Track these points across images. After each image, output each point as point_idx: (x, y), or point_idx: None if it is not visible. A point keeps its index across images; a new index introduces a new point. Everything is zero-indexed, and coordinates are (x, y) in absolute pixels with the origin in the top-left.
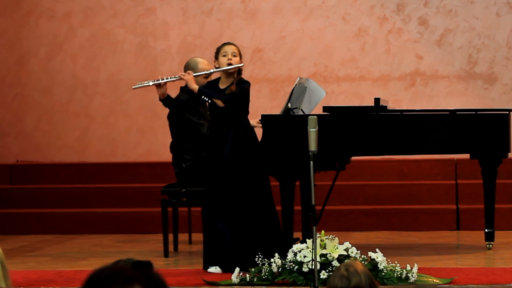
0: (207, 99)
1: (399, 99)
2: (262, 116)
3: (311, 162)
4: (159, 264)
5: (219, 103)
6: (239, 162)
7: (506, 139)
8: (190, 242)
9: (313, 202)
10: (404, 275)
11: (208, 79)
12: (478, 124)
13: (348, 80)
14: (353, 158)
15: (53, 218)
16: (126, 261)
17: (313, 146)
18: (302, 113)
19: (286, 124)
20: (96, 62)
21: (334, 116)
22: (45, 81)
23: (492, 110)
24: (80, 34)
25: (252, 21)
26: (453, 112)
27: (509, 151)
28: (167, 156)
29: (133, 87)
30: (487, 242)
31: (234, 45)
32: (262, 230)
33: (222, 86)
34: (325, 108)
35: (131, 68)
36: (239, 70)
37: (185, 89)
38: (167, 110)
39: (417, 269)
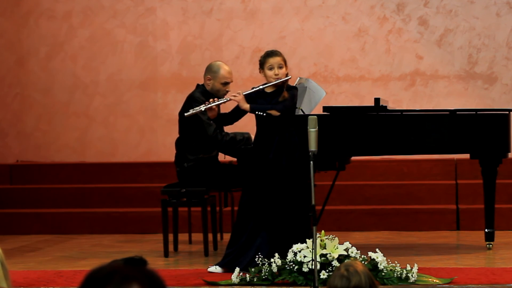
0: (262, 114)
1: (399, 99)
2: None
3: (311, 162)
4: (159, 264)
5: (274, 113)
6: (282, 167)
7: (506, 139)
8: (190, 242)
9: (313, 202)
10: (404, 275)
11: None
12: (478, 124)
13: (348, 80)
14: (353, 158)
15: (53, 218)
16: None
17: (313, 146)
18: (302, 113)
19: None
20: (96, 62)
21: (334, 116)
22: (45, 81)
23: (492, 110)
24: (80, 34)
25: (252, 21)
26: (453, 112)
27: (509, 151)
28: (167, 156)
29: (185, 114)
30: (487, 242)
31: (279, 55)
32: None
33: (268, 90)
34: (325, 108)
35: (131, 68)
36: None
37: (201, 88)
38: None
39: (417, 269)
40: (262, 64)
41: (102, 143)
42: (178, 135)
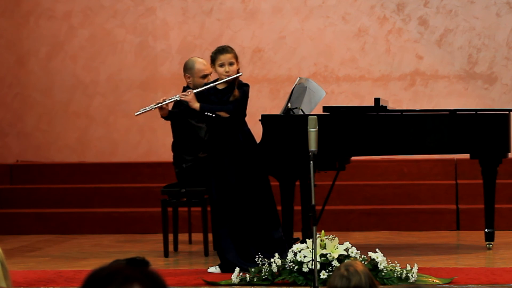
0: (211, 114)
1: (399, 99)
2: (262, 116)
3: (311, 162)
4: (159, 264)
5: (224, 114)
6: (239, 168)
7: (506, 139)
8: (190, 242)
9: (313, 202)
10: (404, 275)
11: (206, 80)
12: (478, 124)
13: (348, 80)
14: (353, 158)
15: (53, 218)
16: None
17: (313, 146)
18: (302, 113)
19: (286, 124)
20: (96, 62)
21: (334, 116)
22: (45, 81)
23: (492, 110)
24: (80, 34)
25: (252, 21)
26: (453, 112)
27: (509, 151)
28: (167, 156)
29: (135, 113)
30: (487, 242)
31: (229, 52)
32: (264, 232)
33: (220, 86)
34: (325, 108)
35: (131, 68)
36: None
37: (185, 87)
38: None
39: (417, 269)
40: (213, 60)
41: (102, 143)
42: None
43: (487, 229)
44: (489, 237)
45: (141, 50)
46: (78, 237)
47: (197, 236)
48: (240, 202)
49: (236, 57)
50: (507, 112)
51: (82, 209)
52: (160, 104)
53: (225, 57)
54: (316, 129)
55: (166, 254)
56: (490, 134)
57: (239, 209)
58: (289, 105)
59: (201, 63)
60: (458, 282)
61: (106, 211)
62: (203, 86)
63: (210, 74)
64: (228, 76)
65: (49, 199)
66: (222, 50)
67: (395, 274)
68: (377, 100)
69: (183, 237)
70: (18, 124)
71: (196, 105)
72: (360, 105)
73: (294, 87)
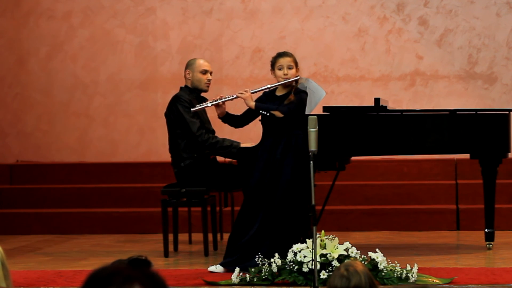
0: (266, 113)
1: (399, 99)
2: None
3: (311, 162)
4: (159, 264)
5: (278, 114)
6: (286, 170)
7: (506, 139)
8: (190, 242)
9: (313, 202)
10: (404, 275)
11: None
12: (478, 124)
13: (348, 80)
14: (353, 158)
15: (53, 218)
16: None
17: (313, 146)
18: None
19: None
20: (96, 62)
21: (334, 116)
22: (45, 81)
23: (492, 110)
24: (80, 34)
25: (252, 21)
26: (453, 112)
27: (509, 151)
28: (167, 156)
29: (192, 109)
30: (487, 242)
31: (290, 56)
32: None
33: (278, 93)
34: (325, 108)
35: (131, 68)
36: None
37: (184, 88)
38: None
39: (417, 269)
40: (273, 64)
41: (102, 143)
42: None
43: (487, 229)
44: (489, 237)
45: (141, 50)
46: (78, 237)
47: (197, 236)
48: (284, 204)
49: (295, 62)
50: (507, 112)
51: (82, 209)
52: (216, 102)
53: (284, 60)
54: (316, 129)
55: (166, 254)
56: (490, 134)
57: (283, 213)
58: None
59: (203, 60)
60: (458, 282)
61: (106, 211)
62: (260, 88)
63: (210, 72)
64: (287, 79)
65: (49, 199)
66: (282, 54)
67: (395, 274)
68: (377, 100)
69: (183, 237)
70: (18, 124)
71: (252, 103)
72: (360, 105)
73: None
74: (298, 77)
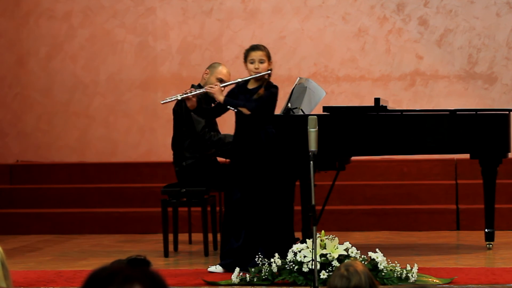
0: (233, 109)
1: (399, 99)
2: None
3: (311, 162)
4: (159, 264)
5: (245, 111)
6: (254, 166)
7: (506, 139)
8: (190, 242)
9: (313, 202)
10: (404, 275)
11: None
12: (478, 124)
13: (348, 80)
14: (353, 158)
15: (53, 218)
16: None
17: (313, 146)
18: (302, 113)
19: (286, 124)
20: (96, 62)
21: (334, 116)
22: (45, 81)
23: (492, 110)
24: (80, 34)
25: (252, 21)
26: (453, 112)
27: (509, 151)
28: (167, 156)
29: (161, 102)
30: (487, 242)
31: (262, 49)
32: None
33: (250, 86)
34: (325, 108)
35: (131, 68)
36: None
37: (196, 86)
38: (167, 110)
39: (417, 269)
40: (245, 57)
41: (102, 143)
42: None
43: (487, 229)
44: (489, 237)
45: (141, 50)
46: (78, 237)
47: (197, 236)
48: (257, 203)
49: (268, 56)
50: (507, 112)
51: (82, 209)
52: (186, 95)
53: (256, 54)
54: (316, 129)
55: (166, 254)
56: (490, 134)
57: (257, 210)
58: (289, 105)
59: (226, 70)
60: (458, 282)
61: (106, 211)
62: (230, 82)
63: (227, 83)
64: (257, 73)
65: (49, 199)
66: (254, 47)
67: (395, 274)
68: (377, 100)
69: (183, 237)
70: (18, 124)
71: (221, 97)
72: (360, 105)
73: (294, 87)
74: (270, 71)
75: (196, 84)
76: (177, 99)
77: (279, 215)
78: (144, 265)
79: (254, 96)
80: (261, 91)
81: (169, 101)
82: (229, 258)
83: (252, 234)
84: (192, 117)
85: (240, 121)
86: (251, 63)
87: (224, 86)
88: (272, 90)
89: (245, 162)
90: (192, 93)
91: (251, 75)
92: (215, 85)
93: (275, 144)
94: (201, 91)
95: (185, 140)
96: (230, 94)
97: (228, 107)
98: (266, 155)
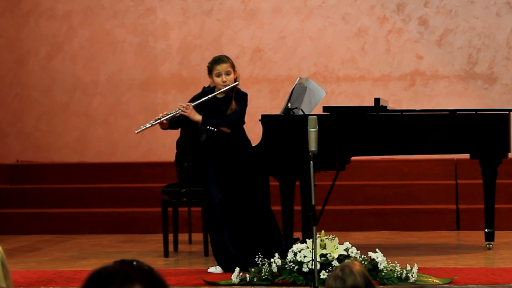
0: (213, 129)
1: (399, 99)
2: (262, 116)
3: (311, 162)
4: (159, 264)
5: (226, 129)
6: (237, 173)
7: (506, 139)
8: (190, 242)
9: (313, 202)
10: (404, 275)
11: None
12: (478, 124)
13: (348, 80)
14: (353, 158)
15: (53, 218)
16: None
17: (313, 146)
18: (302, 113)
19: (286, 124)
20: (96, 62)
21: (334, 116)
22: (45, 81)
23: (492, 110)
24: (80, 34)
25: (252, 21)
26: (453, 112)
27: (509, 151)
28: (167, 156)
29: (136, 131)
30: (487, 242)
31: (226, 61)
32: (261, 233)
33: (219, 96)
34: (325, 108)
35: (131, 68)
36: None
37: (206, 89)
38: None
39: (417, 269)
40: (210, 71)
41: (102, 143)
42: (178, 135)
43: (487, 229)
44: (489, 237)
45: (141, 50)
46: (78, 237)
47: (197, 236)
48: (239, 204)
49: (233, 66)
50: (507, 112)
51: (82, 209)
52: (160, 120)
53: (221, 67)
54: (316, 129)
55: (166, 254)
56: (490, 134)
57: (239, 211)
58: (289, 105)
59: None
60: (458, 282)
61: (106, 211)
62: (200, 100)
63: (197, 101)
64: (226, 86)
65: (49, 199)
66: (218, 60)
67: (395, 274)
68: (377, 100)
69: (183, 237)
70: (18, 124)
71: (198, 117)
72: (360, 105)
73: (294, 87)
74: (237, 83)
75: (206, 86)
76: (152, 125)
77: (258, 219)
78: (136, 268)
79: (228, 112)
80: (233, 105)
81: (143, 129)
82: (222, 262)
83: (240, 234)
84: (197, 126)
85: (218, 137)
86: (218, 76)
87: (196, 105)
88: (243, 99)
89: (227, 173)
90: (165, 117)
91: (219, 89)
92: (187, 105)
93: (249, 148)
94: (173, 113)
95: (190, 143)
96: (199, 106)
97: (208, 127)
98: (249, 167)
